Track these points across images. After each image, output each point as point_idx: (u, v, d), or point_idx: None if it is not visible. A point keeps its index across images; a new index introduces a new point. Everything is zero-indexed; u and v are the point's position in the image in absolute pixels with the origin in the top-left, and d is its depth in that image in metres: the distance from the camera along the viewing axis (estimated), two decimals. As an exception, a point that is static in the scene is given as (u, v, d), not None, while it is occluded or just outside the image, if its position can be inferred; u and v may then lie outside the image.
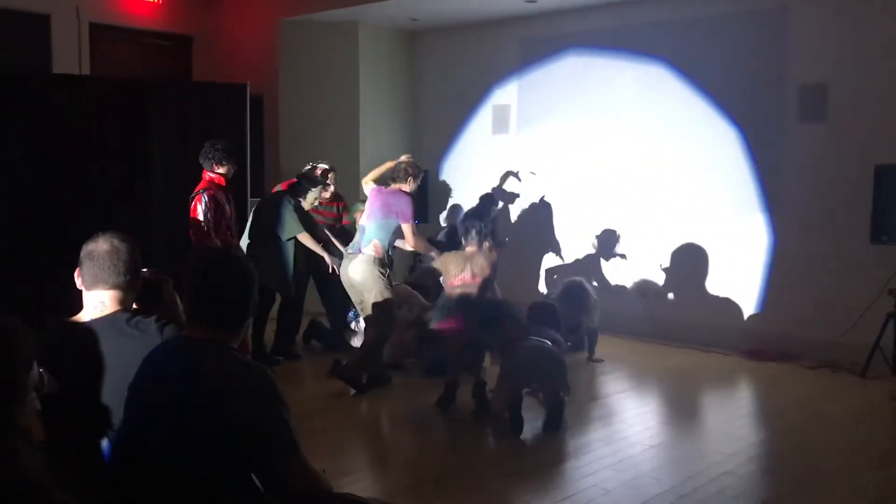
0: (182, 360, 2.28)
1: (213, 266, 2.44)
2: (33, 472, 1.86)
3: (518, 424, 4.93)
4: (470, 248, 5.74)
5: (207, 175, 5.91)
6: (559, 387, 5.05)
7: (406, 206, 5.85)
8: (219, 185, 5.91)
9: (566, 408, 5.04)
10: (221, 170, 5.92)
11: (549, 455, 4.68)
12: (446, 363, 5.73)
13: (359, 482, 4.16)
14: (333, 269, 6.47)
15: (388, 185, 6.03)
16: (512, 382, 5.03)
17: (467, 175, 9.14)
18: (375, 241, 5.81)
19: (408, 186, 5.96)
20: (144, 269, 2.71)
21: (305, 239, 6.49)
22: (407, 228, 5.88)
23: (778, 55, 7.05)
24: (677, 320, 7.60)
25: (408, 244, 6.05)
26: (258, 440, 2.18)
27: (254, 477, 2.25)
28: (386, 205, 5.87)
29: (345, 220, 7.33)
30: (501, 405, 5.03)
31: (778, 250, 7.16)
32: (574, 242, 8.38)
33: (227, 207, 5.96)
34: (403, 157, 6.27)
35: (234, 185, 6.19)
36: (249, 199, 6.97)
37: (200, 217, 5.78)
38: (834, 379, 6.37)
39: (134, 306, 2.66)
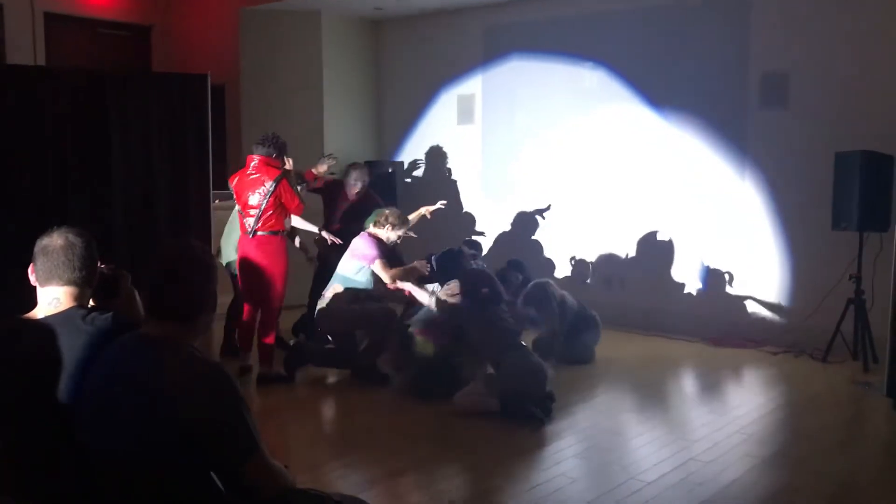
0: (137, 358, 2.22)
1: (169, 259, 2.37)
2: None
3: (537, 413, 4.98)
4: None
5: (269, 162, 5.87)
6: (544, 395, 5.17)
7: (367, 248, 5.91)
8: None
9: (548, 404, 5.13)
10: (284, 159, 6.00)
11: (515, 445, 4.68)
12: (433, 383, 5.53)
13: (328, 474, 4.13)
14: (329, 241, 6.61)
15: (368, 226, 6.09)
16: (505, 386, 5.11)
17: (432, 165, 9.11)
18: (336, 285, 5.93)
19: (384, 234, 6.02)
20: (102, 265, 2.64)
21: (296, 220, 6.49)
22: (377, 267, 5.90)
23: (739, 43, 7.10)
24: (642, 308, 7.65)
25: (387, 282, 5.94)
26: (216, 439, 2.14)
27: (214, 476, 2.20)
28: (352, 248, 6.01)
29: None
30: (484, 403, 5.09)
31: (741, 237, 7.23)
32: (541, 234, 8.39)
33: None
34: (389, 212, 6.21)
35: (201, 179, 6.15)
36: (212, 191, 6.88)
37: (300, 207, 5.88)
38: (796, 364, 6.46)
39: (91, 302, 2.60)
